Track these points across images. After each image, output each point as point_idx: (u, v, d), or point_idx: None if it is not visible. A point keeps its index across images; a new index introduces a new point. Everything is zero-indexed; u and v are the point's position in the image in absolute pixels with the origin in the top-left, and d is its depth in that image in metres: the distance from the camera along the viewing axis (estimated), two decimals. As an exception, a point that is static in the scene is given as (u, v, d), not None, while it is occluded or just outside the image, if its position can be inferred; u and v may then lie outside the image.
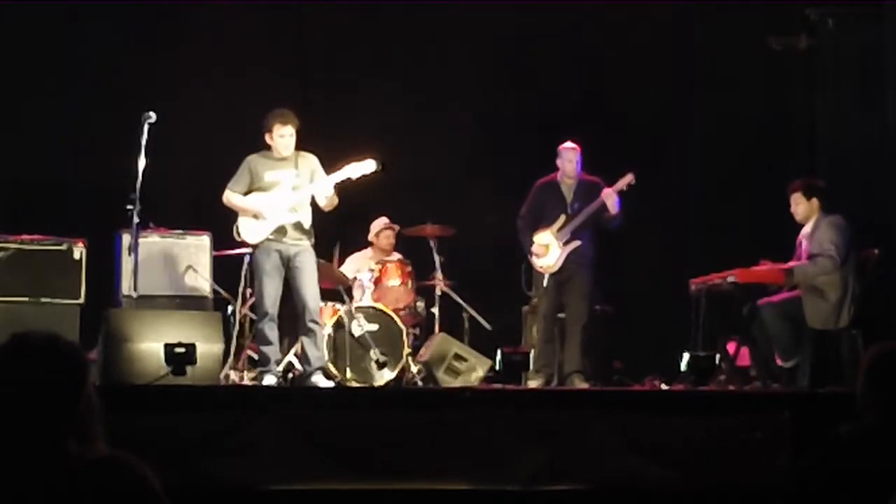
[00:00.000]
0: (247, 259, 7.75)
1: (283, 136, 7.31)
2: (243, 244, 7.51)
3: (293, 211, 7.29)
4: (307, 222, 7.37)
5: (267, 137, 7.35)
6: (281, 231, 7.29)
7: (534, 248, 8.12)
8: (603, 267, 8.63)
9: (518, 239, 8.30)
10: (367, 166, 7.34)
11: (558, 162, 8.22)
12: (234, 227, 7.38)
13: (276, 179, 7.32)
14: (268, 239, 7.28)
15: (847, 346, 7.30)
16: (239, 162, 7.46)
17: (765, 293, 7.60)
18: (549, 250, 8.08)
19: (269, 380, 7.22)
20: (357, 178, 7.33)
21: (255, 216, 7.29)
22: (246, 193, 7.36)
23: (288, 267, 7.29)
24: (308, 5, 9.81)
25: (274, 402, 6.24)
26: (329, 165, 7.43)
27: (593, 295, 8.26)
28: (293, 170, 7.34)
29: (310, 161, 7.42)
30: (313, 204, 7.40)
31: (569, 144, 8.21)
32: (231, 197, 7.37)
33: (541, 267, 8.12)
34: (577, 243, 8.04)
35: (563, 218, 8.10)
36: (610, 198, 8.00)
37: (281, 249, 7.29)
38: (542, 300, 8.21)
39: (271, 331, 7.28)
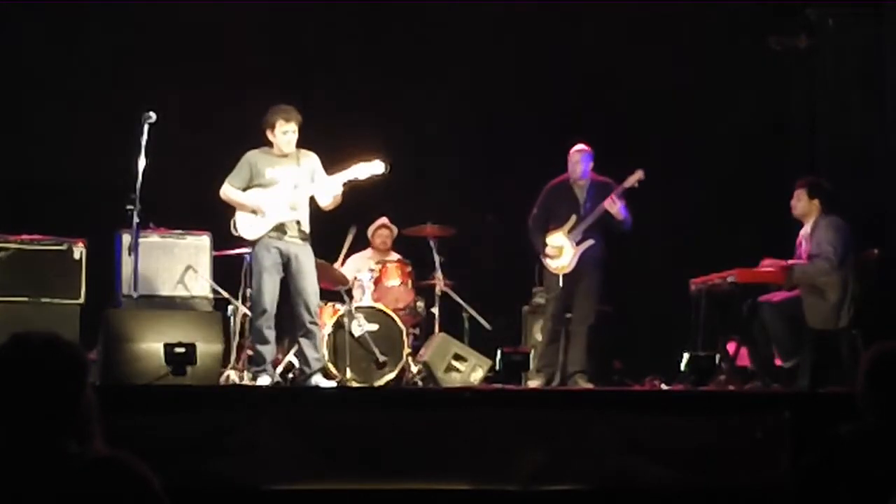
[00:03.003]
0: (247, 259, 7.74)
1: (285, 133, 7.24)
2: (240, 240, 7.48)
3: (293, 209, 7.25)
4: (306, 221, 7.32)
5: (268, 133, 7.29)
6: (280, 229, 7.24)
7: (547, 251, 8.10)
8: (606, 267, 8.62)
9: (529, 240, 8.27)
10: (374, 167, 7.26)
11: (568, 164, 8.21)
12: (232, 222, 7.34)
13: (276, 177, 7.27)
14: (267, 236, 7.24)
15: (847, 346, 7.30)
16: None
17: (765, 292, 7.60)
18: (562, 251, 8.07)
19: (264, 380, 7.16)
20: (365, 179, 7.30)
21: (254, 212, 7.25)
22: (244, 189, 7.31)
23: (287, 266, 7.25)
24: (308, 5, 9.81)
25: (274, 402, 6.24)
26: (328, 165, 7.42)
27: (600, 295, 8.26)
28: (294, 167, 7.29)
29: (311, 160, 7.36)
30: (311, 203, 7.37)
31: (577, 147, 8.20)
32: (229, 192, 7.30)
33: (555, 269, 8.09)
34: (590, 242, 8.04)
35: (574, 218, 8.08)
36: (613, 206, 7.99)
37: (280, 247, 7.24)
38: (551, 301, 8.18)
39: (269, 329, 7.22)
